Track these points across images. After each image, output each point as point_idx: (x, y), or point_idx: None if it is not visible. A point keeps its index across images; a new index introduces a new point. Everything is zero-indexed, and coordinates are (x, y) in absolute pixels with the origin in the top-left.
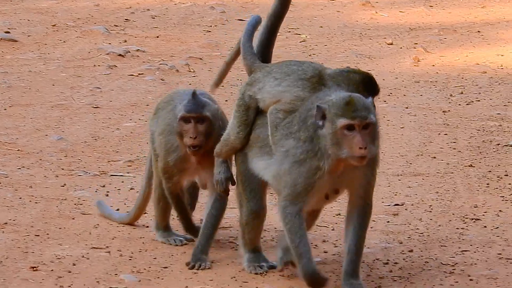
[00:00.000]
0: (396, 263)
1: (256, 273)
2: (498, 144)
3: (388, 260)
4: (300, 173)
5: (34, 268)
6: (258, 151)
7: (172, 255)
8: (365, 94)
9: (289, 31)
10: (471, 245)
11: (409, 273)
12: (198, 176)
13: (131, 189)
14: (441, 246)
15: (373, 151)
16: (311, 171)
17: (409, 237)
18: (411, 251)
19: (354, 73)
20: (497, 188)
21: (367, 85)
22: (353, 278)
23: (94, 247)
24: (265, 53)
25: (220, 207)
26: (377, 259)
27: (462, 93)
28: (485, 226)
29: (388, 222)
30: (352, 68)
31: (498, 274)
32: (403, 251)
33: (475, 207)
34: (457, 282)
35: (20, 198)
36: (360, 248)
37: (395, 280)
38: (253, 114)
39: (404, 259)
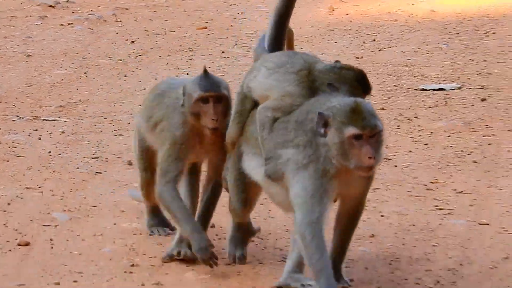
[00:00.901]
0: None
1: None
2: (408, 88)
3: None
4: (306, 177)
5: None
6: (251, 150)
7: (101, 195)
8: (359, 92)
9: None
10: (382, 184)
11: None
12: (206, 156)
13: (62, 132)
14: None
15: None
16: (318, 173)
17: None
18: None
19: (346, 69)
20: (407, 130)
21: (361, 82)
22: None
23: (28, 188)
24: (277, 42)
25: (217, 192)
26: None
27: (374, 40)
28: (396, 166)
29: None
30: (344, 64)
31: (408, 210)
32: None
33: (386, 147)
34: (369, 218)
35: None
36: (346, 247)
37: None
38: (249, 104)
39: None
